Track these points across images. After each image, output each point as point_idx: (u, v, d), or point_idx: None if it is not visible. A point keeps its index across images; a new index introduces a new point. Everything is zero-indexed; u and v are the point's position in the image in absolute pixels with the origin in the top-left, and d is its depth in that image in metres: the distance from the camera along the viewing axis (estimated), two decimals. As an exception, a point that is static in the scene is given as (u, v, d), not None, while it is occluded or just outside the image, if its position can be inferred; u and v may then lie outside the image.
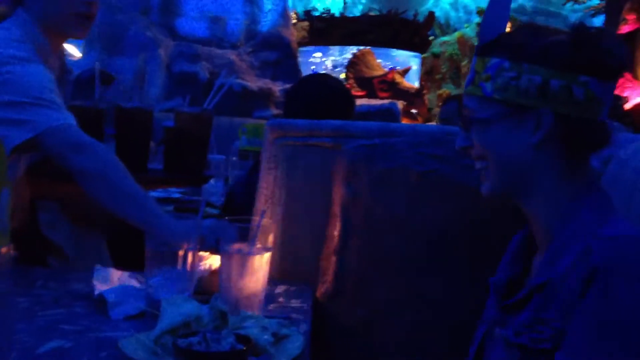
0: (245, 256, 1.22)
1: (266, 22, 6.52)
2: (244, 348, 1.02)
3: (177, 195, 2.84)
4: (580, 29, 1.06)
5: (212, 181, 2.58)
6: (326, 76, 2.55)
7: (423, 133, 1.52)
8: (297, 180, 1.57)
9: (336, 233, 1.51)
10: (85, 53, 5.80)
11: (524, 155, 1.08)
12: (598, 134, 1.08)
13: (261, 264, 1.24)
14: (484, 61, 1.09)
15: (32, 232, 2.06)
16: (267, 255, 1.25)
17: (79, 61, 5.54)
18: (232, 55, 6.06)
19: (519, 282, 1.14)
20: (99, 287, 1.33)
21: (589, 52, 1.04)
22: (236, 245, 1.23)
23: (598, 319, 0.93)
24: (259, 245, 1.24)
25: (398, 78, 6.77)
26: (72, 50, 5.70)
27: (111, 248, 2.30)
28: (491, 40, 1.10)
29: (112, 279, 1.38)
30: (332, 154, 1.52)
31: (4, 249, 0.78)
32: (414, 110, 6.72)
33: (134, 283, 1.37)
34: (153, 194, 2.86)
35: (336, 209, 1.51)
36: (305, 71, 6.74)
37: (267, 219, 1.27)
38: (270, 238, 1.26)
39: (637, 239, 0.97)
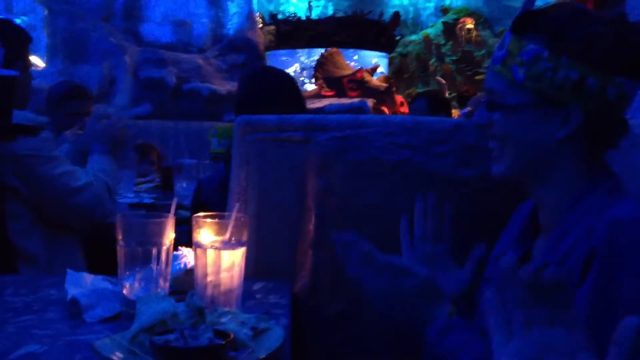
0: (220, 251, 1.21)
1: (232, 25, 6.49)
2: (223, 342, 1.00)
3: (149, 201, 2.83)
4: (621, 23, 1.03)
5: (184, 184, 2.56)
6: (267, 68, 2.59)
7: (394, 123, 1.51)
8: (269, 175, 1.55)
9: (311, 227, 1.50)
10: (48, 62, 5.73)
11: (545, 146, 1.06)
12: (620, 129, 1.07)
13: (236, 258, 1.23)
14: (520, 44, 1.04)
15: (1, 241, 2.02)
16: (242, 250, 1.23)
17: (42, 70, 5.46)
18: (198, 59, 6.02)
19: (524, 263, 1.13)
20: (72, 291, 1.30)
21: (631, 54, 1.01)
22: (210, 241, 1.21)
23: (597, 300, 0.92)
24: (233, 240, 1.22)
25: (367, 77, 6.79)
26: (36, 60, 5.63)
27: (87, 255, 2.27)
28: (528, 16, 1.06)
29: (85, 283, 1.36)
30: (303, 148, 1.51)
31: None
32: (385, 110, 6.74)
33: (108, 286, 1.35)
34: (125, 200, 2.84)
35: (310, 202, 1.50)
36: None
37: (240, 214, 1.26)
38: (245, 233, 1.24)
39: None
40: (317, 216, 1.49)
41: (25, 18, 6.20)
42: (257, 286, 1.48)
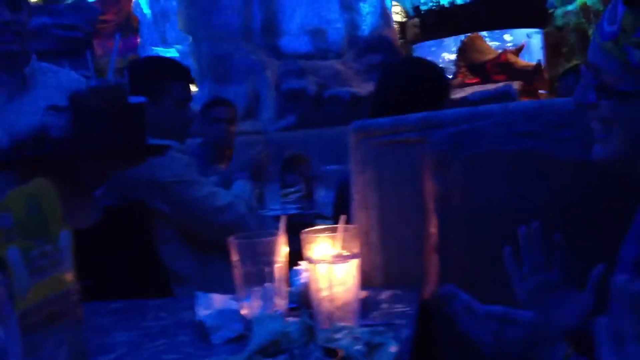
0: (331, 265, 1.19)
1: (366, 25, 6.48)
2: (331, 361, 0.98)
3: (294, 211, 2.88)
4: None
5: (322, 193, 2.58)
6: (414, 61, 2.47)
7: (513, 112, 1.42)
8: (387, 180, 1.51)
9: (434, 230, 1.44)
10: (197, 86, 6.05)
11: None
12: None
13: (349, 271, 1.20)
14: (637, 21, 0.92)
15: (152, 264, 2.14)
16: (355, 262, 1.20)
17: (194, 94, 5.79)
18: (337, 64, 6.08)
19: None
20: (200, 313, 1.34)
21: None
22: (320, 256, 1.20)
23: None
24: (344, 253, 1.20)
25: (512, 58, 6.47)
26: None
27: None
28: None
29: (213, 304, 1.39)
30: (419, 148, 1.46)
31: (73, 288, 0.80)
32: (541, 91, 6.38)
33: (234, 306, 1.37)
34: (271, 212, 2.92)
35: (430, 204, 1.44)
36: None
37: (349, 225, 1.23)
38: (356, 244, 1.21)
39: None
40: (439, 218, 1.43)
41: (179, 47, 6.58)
42: (384, 295, 1.44)
